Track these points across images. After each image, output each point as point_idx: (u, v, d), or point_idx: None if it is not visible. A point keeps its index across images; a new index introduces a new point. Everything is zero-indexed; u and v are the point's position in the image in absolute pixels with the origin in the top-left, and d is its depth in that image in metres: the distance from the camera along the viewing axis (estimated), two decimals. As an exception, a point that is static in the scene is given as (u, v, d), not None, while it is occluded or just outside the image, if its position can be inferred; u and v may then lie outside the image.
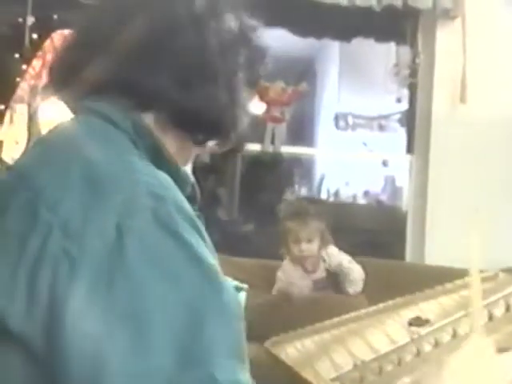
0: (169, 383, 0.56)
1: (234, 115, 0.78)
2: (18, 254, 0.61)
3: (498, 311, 0.97)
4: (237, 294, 0.68)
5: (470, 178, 2.97)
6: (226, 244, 4.73)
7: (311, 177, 6.31)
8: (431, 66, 3.06)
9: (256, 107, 3.07)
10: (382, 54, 4.04)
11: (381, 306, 1.16)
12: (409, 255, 3.19)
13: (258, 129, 3.07)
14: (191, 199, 0.74)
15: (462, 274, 1.18)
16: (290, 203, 3.01)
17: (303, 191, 6.18)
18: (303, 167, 6.20)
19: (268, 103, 3.01)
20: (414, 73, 3.14)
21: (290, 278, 2.55)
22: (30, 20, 2.82)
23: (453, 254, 2.85)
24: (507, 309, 0.98)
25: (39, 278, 0.59)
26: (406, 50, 3.24)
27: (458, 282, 1.13)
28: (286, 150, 3.28)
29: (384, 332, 1.05)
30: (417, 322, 1.03)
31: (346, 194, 5.79)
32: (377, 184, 5.63)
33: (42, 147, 0.73)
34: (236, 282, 0.78)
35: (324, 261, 2.58)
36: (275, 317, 2.23)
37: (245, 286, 0.80)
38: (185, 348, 0.57)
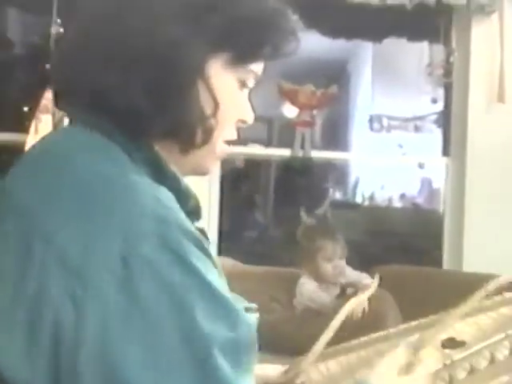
0: None
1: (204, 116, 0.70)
2: (14, 292, 0.56)
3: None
4: (250, 317, 0.63)
5: (508, 180, 2.85)
6: (258, 250, 4.70)
7: (346, 181, 6.21)
8: (466, 64, 2.95)
9: (288, 111, 3.00)
10: (415, 54, 3.94)
11: (412, 324, 1.08)
12: (446, 260, 3.08)
13: (287, 133, 3.01)
14: (194, 213, 0.70)
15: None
16: (312, 224, 2.94)
17: (338, 195, 6.08)
18: (337, 171, 6.11)
19: (298, 107, 2.94)
20: (448, 72, 3.03)
21: (313, 294, 2.49)
22: (56, 29, 2.80)
23: (491, 259, 2.77)
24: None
25: (41, 319, 0.54)
26: (439, 49, 3.13)
27: (497, 298, 1.04)
28: (318, 154, 3.20)
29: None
30: (451, 343, 0.94)
31: (381, 198, 5.67)
32: (413, 187, 5.50)
33: (30, 161, 0.67)
34: (245, 303, 0.72)
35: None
36: (299, 332, 2.17)
37: (253, 306, 0.74)
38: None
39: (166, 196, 0.61)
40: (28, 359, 0.53)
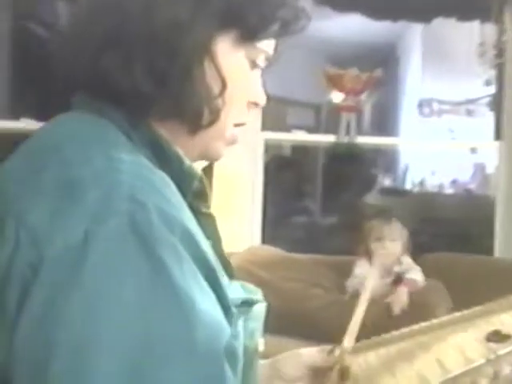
0: None
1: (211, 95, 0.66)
2: None
3: None
4: (225, 328, 0.57)
5: None
6: (308, 238, 4.66)
7: (395, 167, 6.09)
8: (520, 43, 2.83)
9: (336, 96, 2.94)
10: (466, 34, 3.80)
11: (456, 315, 1.03)
12: (497, 248, 2.97)
13: (335, 120, 2.96)
14: (200, 194, 0.67)
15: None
16: (373, 203, 2.97)
17: (387, 182, 5.97)
18: (386, 157, 6.00)
19: (342, 92, 2.88)
20: (500, 52, 2.91)
21: (363, 277, 2.43)
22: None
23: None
24: None
25: (7, 297, 0.53)
26: (491, 28, 3.01)
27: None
28: (365, 140, 3.13)
29: (457, 348, 0.91)
30: (496, 337, 0.89)
31: (431, 184, 5.54)
32: (465, 172, 5.36)
33: (24, 149, 0.65)
34: (256, 294, 0.68)
35: (399, 264, 2.46)
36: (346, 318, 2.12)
37: (259, 296, 0.70)
38: None
39: (158, 178, 0.58)
40: None
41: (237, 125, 0.72)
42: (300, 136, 3.29)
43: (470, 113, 5.39)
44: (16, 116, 2.78)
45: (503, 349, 0.85)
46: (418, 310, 2.22)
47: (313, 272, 2.64)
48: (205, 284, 0.56)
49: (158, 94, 0.63)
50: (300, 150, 5.05)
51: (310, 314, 2.43)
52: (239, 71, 0.69)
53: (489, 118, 4.24)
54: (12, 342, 0.52)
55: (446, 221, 4.29)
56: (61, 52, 0.68)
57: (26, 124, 2.69)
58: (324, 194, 5.32)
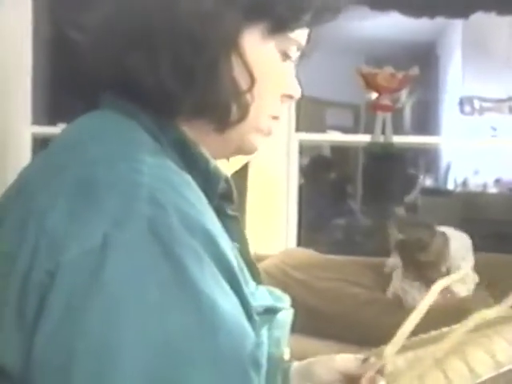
0: None
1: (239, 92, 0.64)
2: (8, 275, 0.53)
3: None
4: (249, 333, 0.54)
5: None
6: (347, 240, 4.60)
7: (436, 166, 5.98)
8: (562, 36, 2.73)
9: (372, 96, 2.90)
10: (506, 28, 3.71)
11: (487, 319, 0.98)
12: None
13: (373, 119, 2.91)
14: (226, 196, 0.65)
15: None
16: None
17: (428, 182, 5.87)
18: (427, 157, 5.89)
19: (377, 91, 2.83)
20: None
21: (402, 282, 2.37)
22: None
23: None
24: None
25: (26, 303, 0.52)
26: (532, 22, 2.92)
27: None
28: (402, 140, 3.07)
29: (489, 352, 0.87)
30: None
31: (474, 183, 5.41)
32: (509, 171, 5.21)
33: (48, 149, 0.64)
34: (276, 301, 0.66)
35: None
36: (385, 321, 2.07)
37: (286, 303, 0.68)
38: None
39: (179, 180, 0.56)
40: (18, 341, 0.51)
41: (272, 117, 0.69)
42: (334, 136, 3.26)
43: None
44: (53, 122, 2.82)
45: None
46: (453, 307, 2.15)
47: (351, 272, 2.59)
48: (227, 287, 0.54)
49: (184, 91, 0.61)
50: (339, 150, 5.00)
51: (347, 314, 2.37)
52: (270, 63, 0.66)
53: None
54: (31, 348, 0.51)
55: (490, 221, 4.18)
56: (88, 53, 0.67)
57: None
58: (363, 195, 5.26)
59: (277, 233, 2.80)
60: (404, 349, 0.99)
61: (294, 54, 0.69)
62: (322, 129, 4.18)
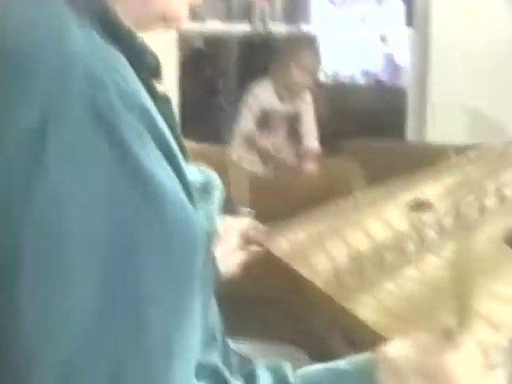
0: (87, 325, 0.46)
1: None
2: None
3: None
4: (191, 210, 0.54)
5: (473, 52, 2.80)
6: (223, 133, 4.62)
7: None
8: None
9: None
10: None
11: (379, 189, 1.07)
12: (409, 135, 3.09)
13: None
14: (153, 71, 0.61)
15: (464, 150, 1.11)
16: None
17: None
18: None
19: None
20: None
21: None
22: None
23: (454, 131, 2.77)
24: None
25: None
26: None
27: (462, 157, 1.04)
28: (280, 29, 3.10)
29: (383, 219, 0.96)
30: (418, 206, 0.94)
31: (343, 74, 5.57)
32: (376, 62, 5.41)
33: None
34: (205, 176, 0.67)
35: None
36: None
37: (217, 180, 0.70)
38: (109, 282, 0.47)
39: (112, 55, 0.53)
40: None
41: None
42: (215, 25, 3.20)
43: (379, 1, 5.38)
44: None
45: (426, 215, 0.90)
46: (332, 186, 2.28)
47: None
48: (166, 164, 0.53)
49: None
50: (213, 41, 4.89)
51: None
52: None
53: (399, 5, 4.26)
54: None
55: (363, 113, 4.36)
56: None
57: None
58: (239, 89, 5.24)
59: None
60: (304, 223, 1.06)
61: None
62: (197, 18, 4.04)
